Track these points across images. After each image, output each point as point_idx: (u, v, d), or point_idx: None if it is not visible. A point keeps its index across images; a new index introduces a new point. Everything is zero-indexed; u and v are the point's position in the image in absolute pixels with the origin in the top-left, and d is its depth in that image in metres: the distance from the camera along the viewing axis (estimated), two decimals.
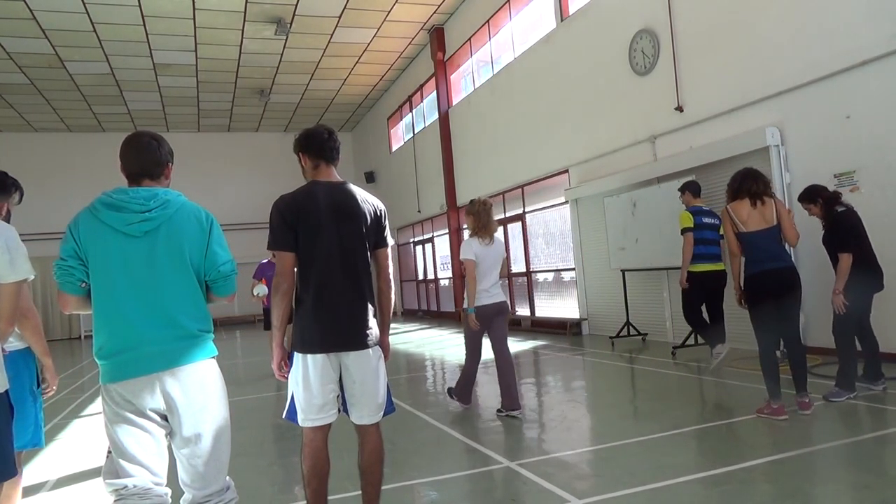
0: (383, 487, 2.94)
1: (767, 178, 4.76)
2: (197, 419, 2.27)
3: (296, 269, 2.76)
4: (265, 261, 8.48)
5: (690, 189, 6.91)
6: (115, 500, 2.22)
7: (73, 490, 4.12)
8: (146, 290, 2.24)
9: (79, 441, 5.57)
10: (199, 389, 2.28)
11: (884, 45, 5.77)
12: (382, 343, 2.87)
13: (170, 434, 2.30)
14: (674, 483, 3.38)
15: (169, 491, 2.30)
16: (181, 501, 2.36)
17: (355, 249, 2.76)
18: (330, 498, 2.88)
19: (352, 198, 2.80)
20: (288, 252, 2.70)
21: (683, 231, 6.57)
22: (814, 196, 5.06)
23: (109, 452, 2.30)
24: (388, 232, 2.92)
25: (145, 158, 2.33)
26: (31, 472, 4.58)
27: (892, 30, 5.72)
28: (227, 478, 2.42)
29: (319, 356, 2.69)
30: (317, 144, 2.82)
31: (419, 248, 18.40)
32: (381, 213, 2.88)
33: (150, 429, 2.24)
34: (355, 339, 2.73)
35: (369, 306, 2.80)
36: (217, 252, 2.40)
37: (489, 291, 5.19)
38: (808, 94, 6.54)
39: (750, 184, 4.63)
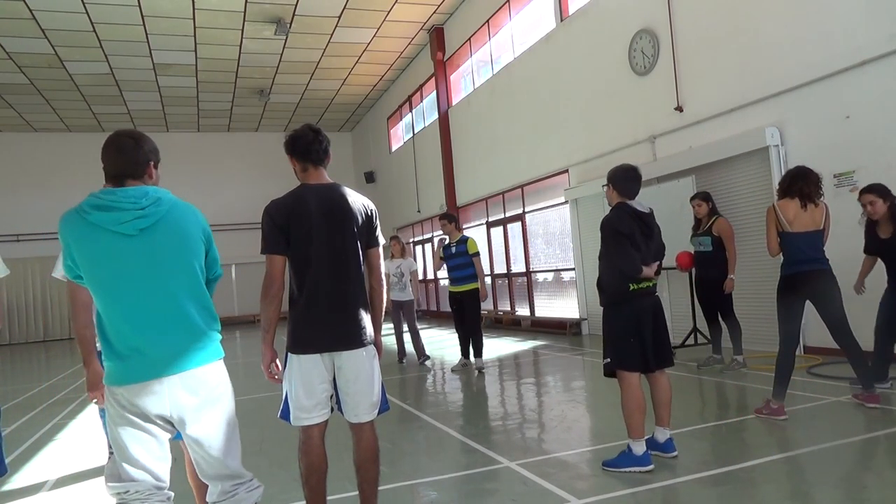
0: (383, 487, 2.95)
1: (820, 177, 4.57)
2: (206, 419, 2.26)
3: (289, 272, 2.78)
4: None
5: (455, 220, 7.98)
6: None
7: (74, 490, 4.12)
8: (147, 290, 2.20)
9: (79, 441, 5.56)
10: (208, 392, 2.27)
11: (883, 45, 5.78)
12: (376, 342, 2.88)
13: (179, 434, 2.28)
14: (674, 483, 3.39)
15: (172, 494, 2.29)
16: (207, 496, 2.36)
17: (347, 250, 2.78)
18: (329, 498, 2.88)
19: (342, 199, 2.81)
20: (279, 255, 2.72)
21: (477, 254, 7.56)
22: (888, 194, 4.87)
23: (111, 454, 2.29)
24: (379, 231, 2.94)
25: (124, 159, 2.29)
26: (31, 471, 4.58)
27: (892, 30, 5.72)
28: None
29: (313, 356, 2.71)
30: (302, 147, 2.81)
31: (419, 248, 18.39)
32: (371, 213, 2.90)
33: (154, 432, 2.21)
34: (348, 339, 2.75)
35: (362, 305, 2.82)
36: (216, 255, 2.44)
37: None
38: (808, 94, 6.54)
39: (801, 185, 4.47)
